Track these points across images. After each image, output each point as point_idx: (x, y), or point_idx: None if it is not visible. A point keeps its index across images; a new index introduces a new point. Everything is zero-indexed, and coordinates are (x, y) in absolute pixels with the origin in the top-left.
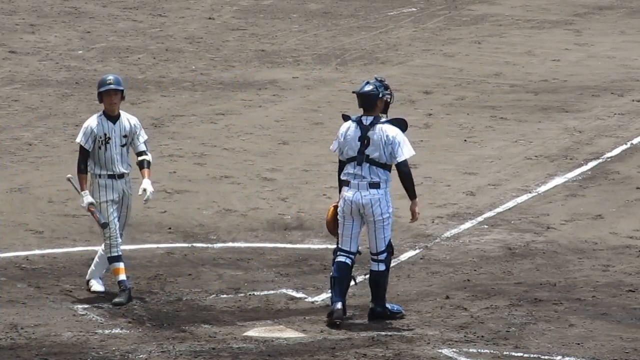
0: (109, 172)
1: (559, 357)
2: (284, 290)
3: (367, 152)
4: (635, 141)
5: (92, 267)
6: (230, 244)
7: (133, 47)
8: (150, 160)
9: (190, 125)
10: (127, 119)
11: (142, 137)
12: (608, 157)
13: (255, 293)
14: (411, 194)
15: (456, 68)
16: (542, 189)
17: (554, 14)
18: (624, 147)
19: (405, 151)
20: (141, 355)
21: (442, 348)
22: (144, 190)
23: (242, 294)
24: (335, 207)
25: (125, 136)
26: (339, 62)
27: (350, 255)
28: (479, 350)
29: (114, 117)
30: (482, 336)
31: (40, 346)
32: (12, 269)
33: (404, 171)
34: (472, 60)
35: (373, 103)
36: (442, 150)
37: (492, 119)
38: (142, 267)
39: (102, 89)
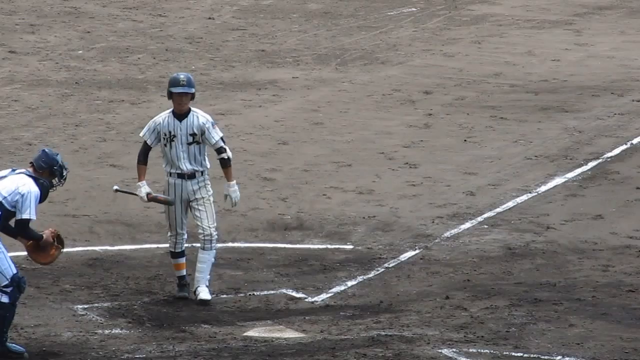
0: (177, 171)
1: (559, 357)
2: (283, 291)
3: None
4: (635, 141)
5: (198, 273)
6: (230, 244)
7: (133, 47)
8: (229, 157)
9: None
10: (197, 117)
11: (216, 133)
12: (608, 157)
13: (255, 293)
14: None
15: (456, 68)
16: (542, 189)
17: (554, 14)
18: (624, 147)
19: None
20: (141, 355)
21: (442, 348)
22: (227, 197)
23: (242, 294)
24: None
25: (192, 134)
26: (339, 62)
27: None
28: (479, 350)
29: (181, 115)
30: (482, 336)
31: (40, 346)
32: None
33: None
34: (472, 60)
35: None
36: (442, 150)
37: (492, 119)
38: (142, 267)
39: (172, 90)
